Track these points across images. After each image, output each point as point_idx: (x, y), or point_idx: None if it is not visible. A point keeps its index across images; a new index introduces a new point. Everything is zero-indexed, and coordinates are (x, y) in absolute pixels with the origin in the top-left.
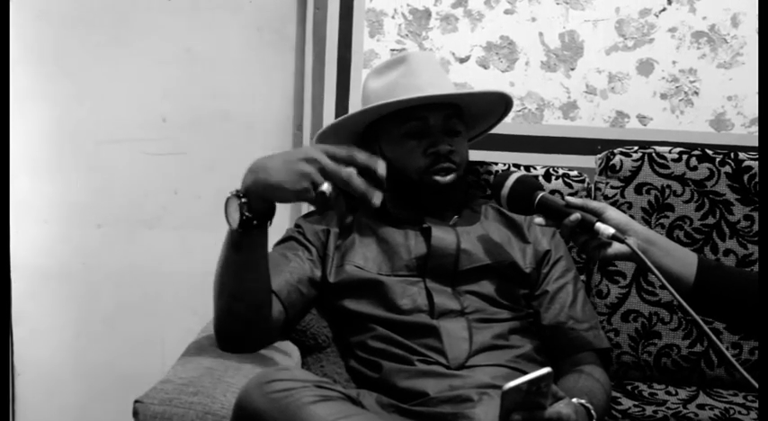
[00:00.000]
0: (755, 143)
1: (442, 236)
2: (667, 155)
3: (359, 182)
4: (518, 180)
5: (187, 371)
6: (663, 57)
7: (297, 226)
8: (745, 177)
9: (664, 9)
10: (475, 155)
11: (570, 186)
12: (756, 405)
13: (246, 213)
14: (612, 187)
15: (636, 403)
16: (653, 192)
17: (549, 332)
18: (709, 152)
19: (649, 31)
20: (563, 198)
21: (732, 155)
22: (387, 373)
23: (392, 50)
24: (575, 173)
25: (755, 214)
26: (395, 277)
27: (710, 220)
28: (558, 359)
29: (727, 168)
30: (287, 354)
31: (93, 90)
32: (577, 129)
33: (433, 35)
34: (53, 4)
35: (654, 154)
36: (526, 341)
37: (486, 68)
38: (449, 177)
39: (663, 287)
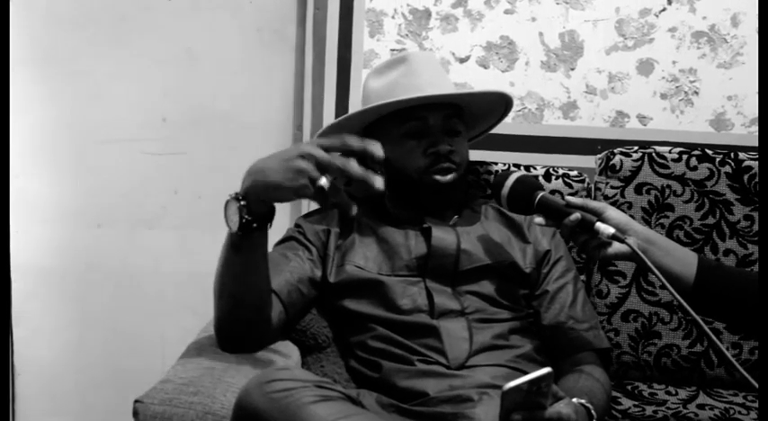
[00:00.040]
0: (755, 143)
1: (443, 236)
2: (667, 155)
3: (356, 168)
4: (518, 180)
5: (187, 370)
6: (663, 57)
7: (297, 226)
8: (745, 177)
9: (664, 9)
10: (475, 155)
11: (570, 186)
12: (756, 405)
13: (246, 216)
14: (612, 187)
15: (636, 403)
16: (653, 192)
17: (550, 332)
18: (709, 152)
19: (649, 31)
20: (563, 198)
21: (732, 155)
22: (387, 373)
23: (392, 50)
24: (575, 173)
25: (755, 214)
26: (395, 277)
27: (710, 220)
28: (558, 359)
29: (727, 168)
30: (287, 354)
31: (93, 90)
32: (577, 129)
33: (433, 35)
34: (53, 4)
35: (654, 154)
36: (526, 341)
37: (486, 68)
38: (449, 177)
39: (663, 287)
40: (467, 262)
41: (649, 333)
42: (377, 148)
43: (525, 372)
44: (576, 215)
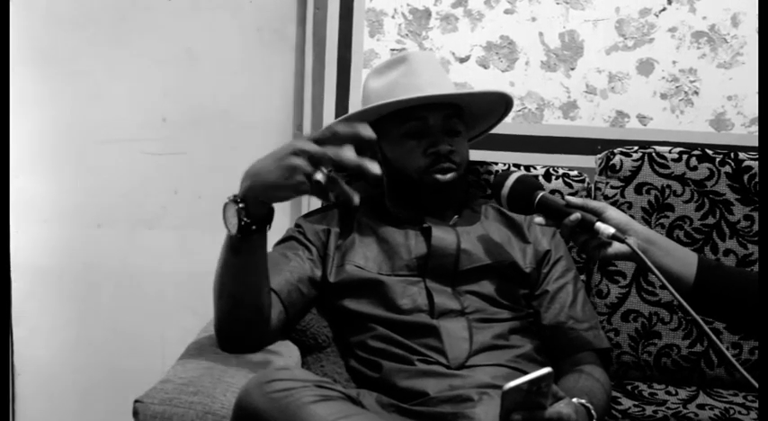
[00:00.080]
0: (755, 143)
1: (443, 236)
2: (667, 155)
3: (349, 156)
4: (518, 180)
5: (187, 370)
6: (663, 56)
7: (297, 225)
8: (745, 177)
9: (664, 9)
10: (475, 155)
11: (570, 186)
12: (756, 405)
13: (245, 219)
14: (612, 187)
15: (636, 403)
16: (653, 191)
17: (549, 332)
18: (710, 152)
19: (649, 31)
20: (563, 198)
21: (732, 155)
22: (387, 373)
23: (392, 50)
24: (575, 173)
25: (755, 214)
26: (395, 277)
27: (710, 220)
28: (559, 359)
29: (727, 168)
30: (287, 354)
31: (93, 90)
32: (577, 128)
33: (433, 35)
34: (53, 4)
35: (654, 154)
36: (526, 341)
37: (486, 68)
38: (449, 175)
39: (663, 287)
40: (467, 262)
41: (649, 333)
42: (365, 130)
43: (525, 372)
44: (576, 215)
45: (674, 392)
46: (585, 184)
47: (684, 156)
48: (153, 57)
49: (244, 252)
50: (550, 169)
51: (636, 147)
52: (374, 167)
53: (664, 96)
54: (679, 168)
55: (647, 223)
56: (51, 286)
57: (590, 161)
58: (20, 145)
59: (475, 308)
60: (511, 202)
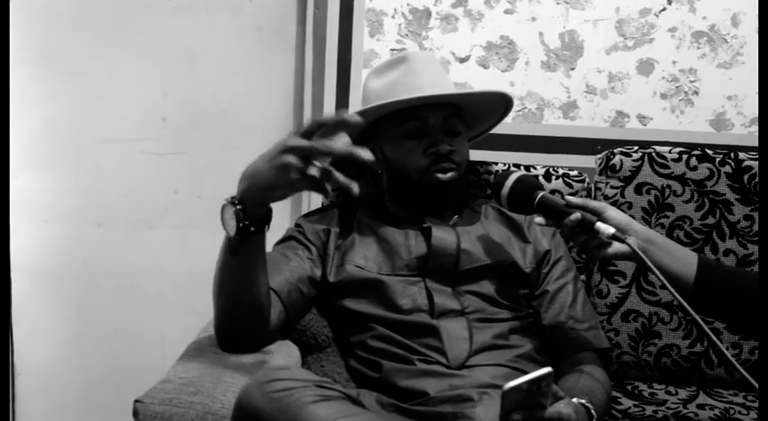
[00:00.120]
0: (755, 143)
1: (443, 236)
2: (667, 155)
3: (338, 144)
4: (518, 180)
5: (187, 370)
6: (663, 56)
7: (297, 225)
8: (745, 177)
9: (664, 9)
10: (475, 155)
11: (570, 186)
12: (756, 405)
13: (244, 221)
14: (612, 187)
15: (636, 403)
16: (653, 191)
17: (549, 332)
18: (710, 152)
19: (649, 31)
20: (563, 198)
21: (732, 155)
22: (387, 373)
23: (392, 50)
24: (575, 172)
25: (755, 214)
26: (395, 277)
27: (710, 220)
28: (558, 359)
29: (727, 168)
30: (287, 354)
31: (93, 90)
32: (577, 128)
33: (433, 35)
34: (53, 3)
35: (654, 154)
36: (526, 341)
37: (486, 68)
38: (449, 175)
39: (663, 287)
40: (467, 262)
41: (649, 333)
42: (350, 116)
43: (525, 372)
44: (577, 215)
45: (674, 392)
46: (585, 184)
47: (684, 156)
48: (153, 56)
49: (242, 253)
50: (550, 169)
51: (636, 147)
52: (365, 153)
53: (664, 96)
54: (679, 168)
55: (647, 223)
56: (51, 286)
57: (590, 161)
58: (20, 145)
59: (475, 308)
60: (511, 202)
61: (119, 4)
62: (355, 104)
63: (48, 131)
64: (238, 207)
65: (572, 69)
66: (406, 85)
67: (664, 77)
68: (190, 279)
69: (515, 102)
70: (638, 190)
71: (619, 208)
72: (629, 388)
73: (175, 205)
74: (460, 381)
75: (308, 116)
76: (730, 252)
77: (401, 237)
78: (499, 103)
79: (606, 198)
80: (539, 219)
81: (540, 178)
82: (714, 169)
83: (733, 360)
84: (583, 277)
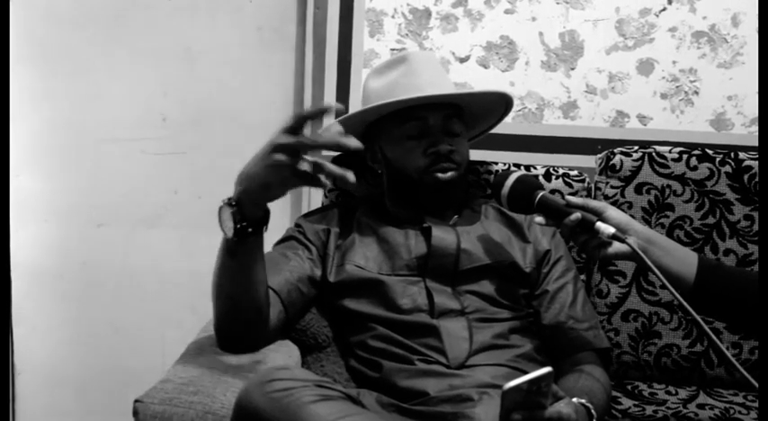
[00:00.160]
0: (755, 143)
1: (443, 235)
2: (667, 154)
3: (325, 137)
4: (518, 179)
5: (187, 370)
6: (663, 56)
7: (297, 225)
8: (746, 177)
9: (664, 9)
10: (475, 154)
11: (570, 186)
12: (756, 405)
13: (241, 222)
14: (613, 187)
15: (636, 403)
16: (653, 191)
17: (549, 332)
18: (710, 152)
19: (649, 31)
20: (563, 197)
21: (732, 154)
22: (387, 373)
23: (392, 50)
24: (575, 172)
25: (755, 214)
26: (395, 277)
27: (710, 220)
28: (558, 359)
29: (728, 168)
30: (287, 354)
31: (92, 89)
32: (577, 128)
33: (434, 35)
34: (53, 3)
35: (654, 153)
36: (526, 340)
37: (486, 68)
38: (449, 174)
39: (663, 287)
40: (467, 261)
41: (649, 333)
42: (328, 104)
43: (525, 372)
44: (577, 215)
45: (674, 392)
46: (586, 184)
47: (684, 156)
48: (153, 56)
49: (240, 254)
50: (550, 169)
51: (636, 147)
52: (351, 141)
53: (664, 96)
54: (679, 168)
55: (648, 223)
56: (51, 285)
57: (590, 161)
58: (20, 144)
59: (475, 307)
60: (511, 202)
61: (119, 3)
62: (355, 104)
63: (48, 131)
64: (235, 208)
65: (572, 69)
66: (406, 85)
67: (664, 77)
68: (190, 279)
69: (515, 101)
70: (638, 190)
71: (619, 208)
72: (629, 387)
73: (175, 205)
74: (460, 381)
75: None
76: (730, 252)
77: (401, 237)
78: (499, 103)
79: (606, 198)
80: (539, 219)
81: (541, 178)
82: (714, 169)
83: (733, 360)
84: (583, 277)
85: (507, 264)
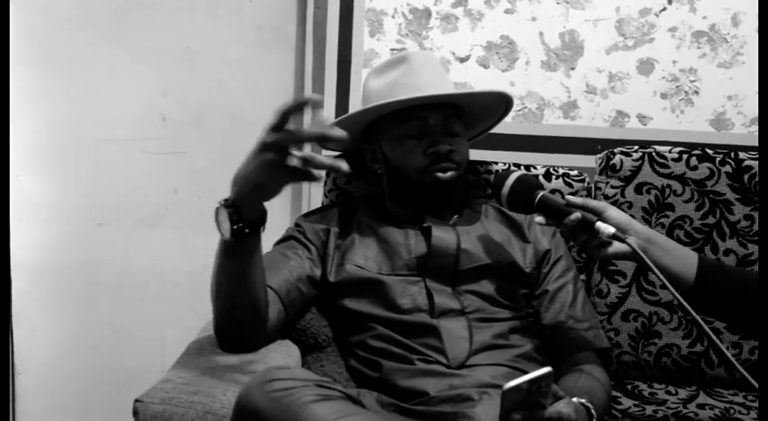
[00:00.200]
0: (756, 143)
1: (443, 235)
2: (667, 154)
3: (310, 129)
4: (518, 179)
5: (187, 370)
6: (663, 56)
7: (297, 225)
8: (746, 177)
9: (664, 8)
10: (475, 154)
11: (570, 186)
12: (756, 405)
13: (238, 223)
14: (613, 187)
15: (636, 402)
16: (653, 191)
17: (549, 331)
18: (710, 152)
19: (649, 31)
20: (563, 197)
21: (732, 154)
22: (387, 373)
23: (392, 50)
24: (575, 172)
25: (755, 214)
26: (395, 276)
27: (711, 220)
28: (558, 358)
29: (728, 168)
30: (287, 354)
31: (92, 89)
32: (577, 128)
33: (434, 35)
34: (53, 3)
35: (654, 153)
36: (526, 340)
37: (486, 68)
38: (449, 173)
39: (663, 286)
40: (467, 261)
41: (649, 332)
42: (308, 96)
43: (525, 372)
44: (577, 214)
45: (674, 392)
46: (586, 184)
47: (684, 156)
48: (153, 56)
49: (238, 255)
50: (550, 169)
51: (636, 147)
52: (336, 131)
53: (664, 96)
54: (679, 168)
55: (648, 223)
56: (52, 285)
57: (590, 161)
58: (20, 144)
59: (475, 307)
60: (511, 202)
61: (119, 3)
62: (355, 104)
63: (48, 131)
64: (231, 209)
65: (572, 69)
66: (405, 84)
67: (664, 77)
68: (190, 279)
69: (515, 101)
70: (638, 189)
71: (619, 207)
72: (629, 387)
73: (175, 205)
74: (460, 381)
75: (307, 116)
76: (730, 252)
77: (401, 237)
78: (499, 103)
79: (606, 198)
80: (539, 219)
81: (541, 178)
82: (714, 169)
83: (733, 360)
84: (583, 277)
85: (507, 264)
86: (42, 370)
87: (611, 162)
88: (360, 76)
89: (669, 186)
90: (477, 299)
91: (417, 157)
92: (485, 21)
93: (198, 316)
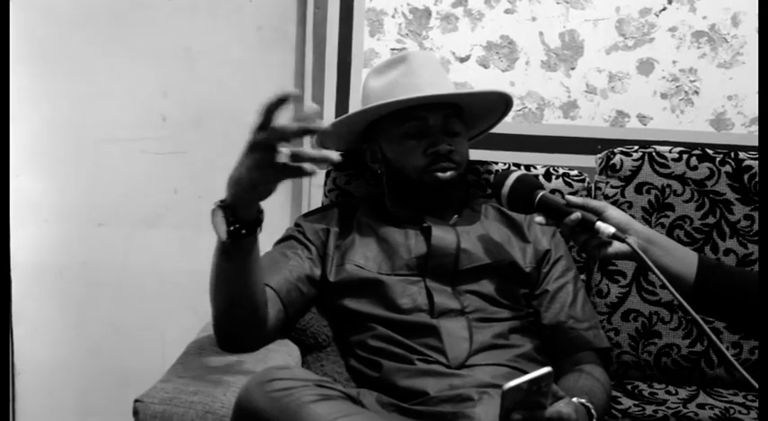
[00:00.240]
0: (755, 143)
1: (443, 235)
2: (667, 154)
3: (292, 125)
4: (518, 179)
5: (187, 370)
6: (663, 56)
7: (297, 225)
8: (746, 177)
9: (664, 8)
10: (475, 154)
11: (570, 186)
12: (756, 404)
13: (234, 224)
14: (613, 187)
15: (636, 402)
16: (653, 191)
17: (549, 331)
18: (710, 152)
19: (649, 31)
20: (563, 197)
21: (732, 154)
22: (387, 372)
23: (392, 50)
24: (575, 172)
25: (755, 214)
26: (395, 276)
27: (711, 220)
28: (558, 358)
29: (728, 168)
30: (287, 353)
31: (92, 89)
32: (577, 128)
33: (434, 34)
34: (53, 3)
35: (654, 153)
36: (526, 340)
37: (486, 68)
38: (449, 174)
39: (663, 286)
40: (467, 261)
41: (649, 332)
42: (288, 91)
43: (525, 372)
44: (577, 214)
45: (674, 392)
46: (586, 184)
47: (684, 156)
48: (153, 56)
49: (235, 256)
50: (550, 169)
51: (636, 147)
52: (321, 124)
53: (664, 96)
54: (679, 168)
55: (648, 223)
56: (52, 285)
57: (590, 161)
58: (20, 144)
59: (475, 307)
60: (511, 202)
61: (118, 3)
62: (355, 104)
63: (48, 131)
64: (227, 210)
65: (572, 69)
66: (405, 84)
67: (664, 77)
68: (190, 279)
69: (515, 101)
70: (638, 189)
71: (619, 207)
72: (629, 387)
73: (175, 205)
74: (460, 381)
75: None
76: (730, 251)
77: (401, 237)
78: (499, 103)
79: (606, 197)
80: (539, 219)
81: (541, 178)
82: (714, 169)
83: (733, 360)
84: (583, 277)
85: (507, 264)
86: (42, 369)
87: (611, 162)
88: (360, 76)
89: (669, 186)
90: (477, 299)
91: (417, 157)
92: (485, 21)
93: (198, 316)
